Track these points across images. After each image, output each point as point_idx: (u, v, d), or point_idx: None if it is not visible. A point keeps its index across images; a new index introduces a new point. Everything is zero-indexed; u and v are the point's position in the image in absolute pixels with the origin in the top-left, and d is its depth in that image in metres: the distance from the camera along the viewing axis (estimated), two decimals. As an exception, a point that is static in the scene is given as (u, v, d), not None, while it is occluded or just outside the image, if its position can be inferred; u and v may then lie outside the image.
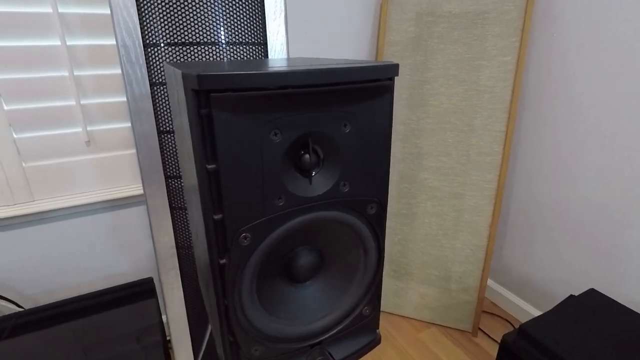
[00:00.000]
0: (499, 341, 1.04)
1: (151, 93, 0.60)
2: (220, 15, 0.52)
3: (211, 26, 0.47)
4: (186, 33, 0.48)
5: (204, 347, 0.83)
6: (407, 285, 1.46)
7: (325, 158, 0.44)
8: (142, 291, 1.01)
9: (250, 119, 0.37)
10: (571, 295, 1.01)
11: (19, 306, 0.99)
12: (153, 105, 0.61)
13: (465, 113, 1.26)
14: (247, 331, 0.46)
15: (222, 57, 0.45)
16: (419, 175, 1.36)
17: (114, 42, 0.98)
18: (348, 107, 0.41)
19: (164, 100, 0.62)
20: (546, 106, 1.26)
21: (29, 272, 1.06)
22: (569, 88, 1.18)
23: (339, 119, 0.41)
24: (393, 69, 0.42)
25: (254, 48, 0.48)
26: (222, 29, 0.45)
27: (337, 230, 0.48)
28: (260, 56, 0.50)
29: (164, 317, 1.14)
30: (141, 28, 0.55)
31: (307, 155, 0.41)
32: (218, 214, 0.39)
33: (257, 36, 0.48)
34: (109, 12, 0.94)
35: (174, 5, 0.53)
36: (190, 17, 0.51)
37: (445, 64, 1.26)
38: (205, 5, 0.51)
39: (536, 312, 1.41)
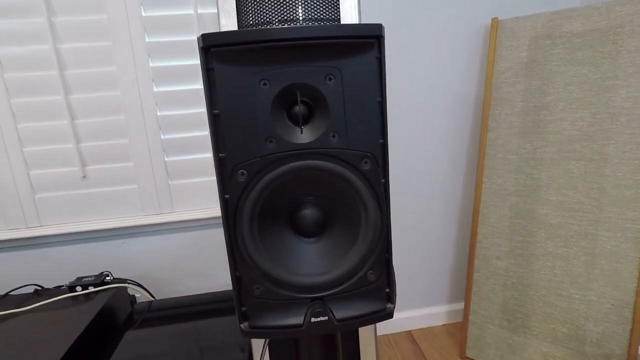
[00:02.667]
0: None
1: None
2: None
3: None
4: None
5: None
6: (526, 340, 1.25)
7: (315, 110, 0.49)
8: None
9: (243, 71, 0.45)
10: None
11: (152, 296, 1.20)
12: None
13: (595, 140, 1.10)
14: (250, 267, 0.50)
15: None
16: (536, 210, 1.20)
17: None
18: (330, 61, 0.47)
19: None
20: None
21: (166, 272, 1.28)
22: None
23: (322, 72, 0.47)
24: (372, 28, 0.46)
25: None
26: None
27: (337, 186, 0.50)
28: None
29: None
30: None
31: (296, 107, 0.47)
32: (222, 152, 0.48)
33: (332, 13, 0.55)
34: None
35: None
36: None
37: (567, 87, 1.13)
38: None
39: None
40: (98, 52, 1.12)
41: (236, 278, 0.51)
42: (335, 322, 0.52)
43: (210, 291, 1.24)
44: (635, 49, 1.04)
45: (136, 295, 1.23)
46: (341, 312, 0.53)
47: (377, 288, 0.54)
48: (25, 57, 1.09)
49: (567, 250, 1.16)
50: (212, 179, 1.26)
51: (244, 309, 0.52)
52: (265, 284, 0.51)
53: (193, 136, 1.22)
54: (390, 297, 0.55)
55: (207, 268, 1.31)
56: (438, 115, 1.36)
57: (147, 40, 1.14)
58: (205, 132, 1.22)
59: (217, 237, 1.30)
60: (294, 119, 0.48)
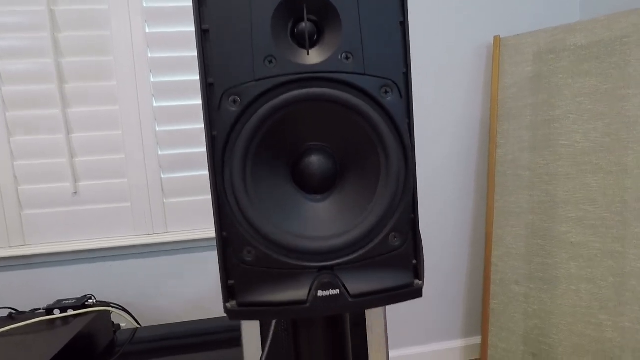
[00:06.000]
0: None
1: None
2: None
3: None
4: None
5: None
6: (554, 377, 1.11)
7: (324, 29, 0.41)
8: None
9: None
10: None
11: (137, 323, 1.09)
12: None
13: (611, 151, 1.04)
14: (240, 223, 0.40)
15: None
16: (555, 229, 1.12)
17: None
18: None
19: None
20: None
21: (155, 297, 1.18)
22: None
23: None
24: None
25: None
26: None
27: (351, 125, 0.41)
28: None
29: None
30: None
31: (302, 24, 0.40)
32: (210, 77, 0.40)
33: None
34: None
35: None
36: None
37: (576, 99, 1.10)
38: None
39: None
40: (100, 66, 1.12)
41: (222, 239, 0.41)
42: (349, 298, 0.41)
43: (202, 318, 1.13)
44: (644, 59, 1.02)
45: (121, 324, 1.12)
46: (356, 285, 0.41)
47: (401, 256, 0.43)
48: (26, 70, 1.08)
49: (592, 272, 1.06)
50: (209, 197, 1.20)
51: (230, 282, 0.41)
52: (258, 247, 0.40)
53: (191, 152, 1.18)
54: (418, 271, 0.44)
55: (199, 294, 1.21)
56: (443, 135, 1.32)
57: (149, 55, 1.14)
58: (204, 149, 1.18)
59: (213, 260, 1.21)
60: (299, 40, 0.40)
